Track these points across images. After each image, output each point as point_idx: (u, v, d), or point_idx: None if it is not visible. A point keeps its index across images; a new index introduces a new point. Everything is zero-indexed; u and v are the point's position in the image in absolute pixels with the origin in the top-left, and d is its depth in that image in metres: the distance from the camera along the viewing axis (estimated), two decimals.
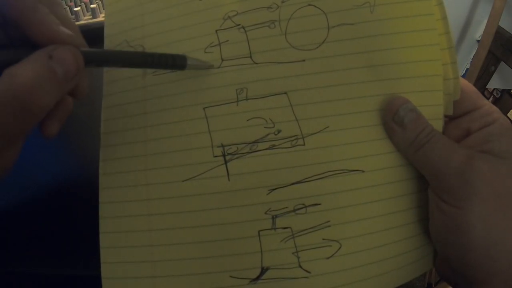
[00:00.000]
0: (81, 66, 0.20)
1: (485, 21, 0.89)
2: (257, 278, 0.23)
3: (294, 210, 0.23)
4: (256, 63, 0.25)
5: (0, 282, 0.34)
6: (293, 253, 0.23)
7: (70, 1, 0.56)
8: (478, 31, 1.05)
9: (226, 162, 0.24)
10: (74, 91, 0.22)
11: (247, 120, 0.24)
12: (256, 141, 0.24)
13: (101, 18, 0.54)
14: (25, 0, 0.19)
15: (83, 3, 0.55)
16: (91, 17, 0.54)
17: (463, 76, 1.05)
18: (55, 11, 0.21)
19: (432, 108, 0.23)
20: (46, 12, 0.20)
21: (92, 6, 0.54)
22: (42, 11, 0.20)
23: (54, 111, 0.21)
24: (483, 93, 1.04)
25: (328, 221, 0.23)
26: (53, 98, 0.19)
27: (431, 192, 0.22)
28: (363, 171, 0.23)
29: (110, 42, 0.28)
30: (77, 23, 0.53)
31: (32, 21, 0.19)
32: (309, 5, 0.25)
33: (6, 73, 0.18)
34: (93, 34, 0.50)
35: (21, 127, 0.19)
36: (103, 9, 0.56)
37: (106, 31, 0.28)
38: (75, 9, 0.53)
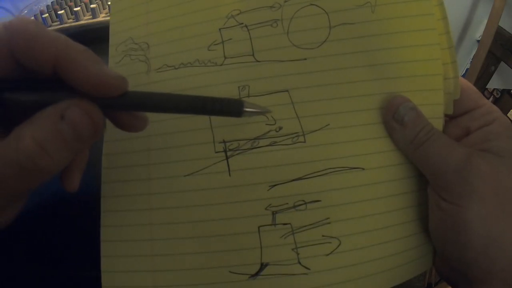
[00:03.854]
0: (99, 126, 0.18)
1: (485, 21, 0.89)
2: (256, 273, 0.23)
3: (294, 207, 0.23)
4: (258, 61, 0.25)
5: (0, 282, 0.34)
6: (292, 249, 0.23)
7: (70, 1, 0.56)
8: (478, 31, 1.05)
9: (227, 158, 0.24)
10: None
11: (249, 117, 0.24)
12: (257, 138, 0.24)
13: (101, 18, 0.54)
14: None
15: (83, 3, 0.55)
16: (91, 17, 0.54)
17: (463, 76, 1.06)
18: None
19: (432, 107, 0.24)
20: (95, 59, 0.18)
21: (92, 6, 0.53)
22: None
23: (70, 165, 0.20)
24: (483, 93, 1.04)
25: (328, 218, 0.23)
26: (60, 161, 0.18)
27: (430, 190, 0.23)
28: (363, 169, 0.24)
29: (115, 40, 0.28)
30: (77, 23, 0.53)
31: (75, 64, 0.17)
32: (311, 4, 0.25)
33: (13, 135, 0.17)
34: (93, 34, 0.50)
35: (24, 187, 0.18)
36: (103, 9, 0.56)
37: (111, 29, 0.28)
38: (75, 9, 0.53)
